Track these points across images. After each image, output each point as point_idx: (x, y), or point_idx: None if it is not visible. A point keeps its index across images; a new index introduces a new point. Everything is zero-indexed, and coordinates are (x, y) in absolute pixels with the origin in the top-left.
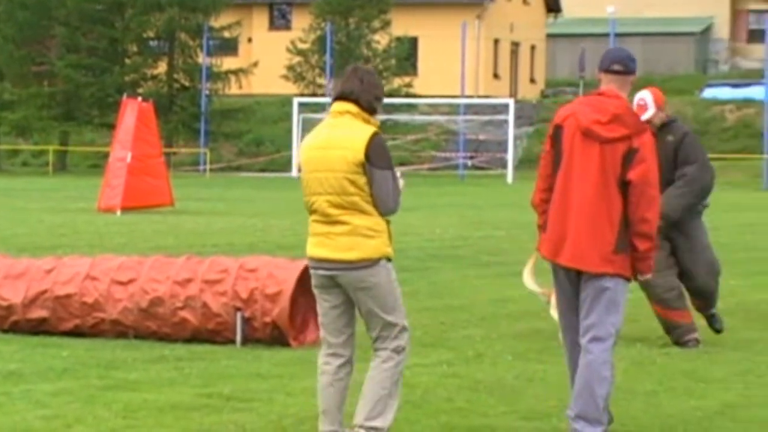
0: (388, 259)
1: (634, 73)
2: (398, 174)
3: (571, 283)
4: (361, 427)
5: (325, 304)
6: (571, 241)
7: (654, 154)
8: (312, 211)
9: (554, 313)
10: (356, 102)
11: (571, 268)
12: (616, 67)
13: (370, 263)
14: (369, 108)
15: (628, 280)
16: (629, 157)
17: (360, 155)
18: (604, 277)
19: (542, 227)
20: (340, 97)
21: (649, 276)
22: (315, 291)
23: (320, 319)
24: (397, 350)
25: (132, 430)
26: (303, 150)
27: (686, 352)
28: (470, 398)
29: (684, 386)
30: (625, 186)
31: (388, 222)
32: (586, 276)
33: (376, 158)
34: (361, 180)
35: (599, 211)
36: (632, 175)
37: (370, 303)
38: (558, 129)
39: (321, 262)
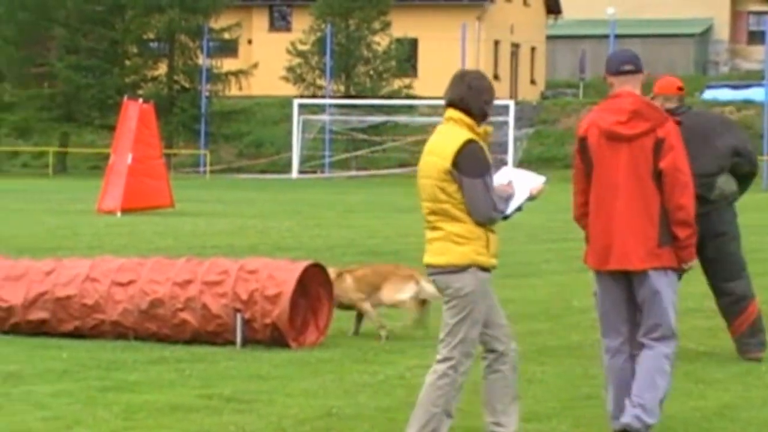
0: (483, 269)
1: (643, 71)
2: (540, 178)
3: (621, 288)
4: None
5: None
6: (617, 245)
7: (680, 141)
8: (424, 217)
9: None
10: (466, 108)
11: (619, 273)
12: (627, 67)
13: (457, 269)
14: (480, 113)
15: (675, 272)
16: (658, 149)
17: (447, 163)
18: (653, 274)
19: (588, 239)
20: (449, 104)
21: (693, 264)
22: None
23: None
24: (454, 366)
25: None
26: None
27: (686, 353)
28: (470, 400)
29: (683, 387)
30: (659, 178)
31: (489, 230)
32: (637, 278)
33: (464, 166)
34: (451, 187)
35: (638, 210)
36: (663, 164)
37: (449, 305)
38: (583, 141)
39: (427, 267)
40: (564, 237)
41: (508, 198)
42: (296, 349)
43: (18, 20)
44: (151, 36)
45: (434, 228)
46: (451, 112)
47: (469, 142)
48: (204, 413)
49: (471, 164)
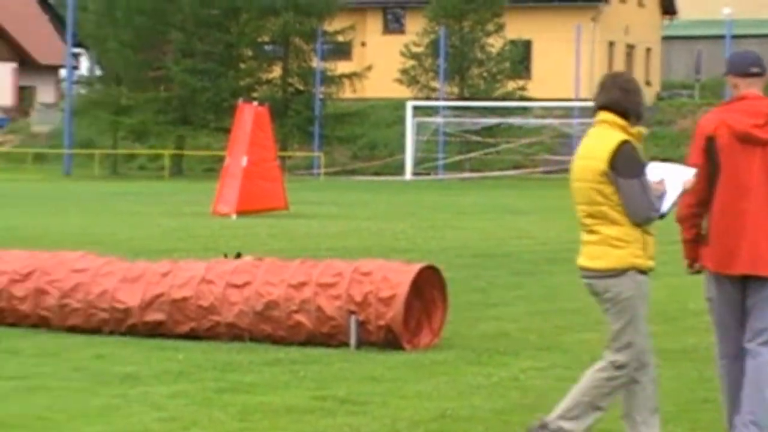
0: (641, 271)
1: (766, 73)
2: (690, 170)
3: (739, 293)
4: (553, 422)
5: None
6: (747, 248)
7: None
8: (579, 220)
9: None
10: (621, 111)
11: (738, 277)
12: (754, 69)
13: (616, 273)
14: (636, 114)
15: None
16: None
17: (603, 165)
18: None
19: (691, 240)
20: (601, 107)
21: None
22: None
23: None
24: (616, 365)
25: None
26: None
27: None
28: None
29: None
30: None
31: (645, 231)
32: (755, 283)
33: (621, 167)
34: (608, 189)
35: None
36: None
37: (610, 311)
38: (711, 140)
39: (581, 270)
40: (678, 239)
41: (660, 196)
42: (410, 351)
43: (135, 25)
44: (266, 39)
45: (591, 231)
46: (604, 115)
47: (624, 143)
48: (318, 415)
49: (627, 165)
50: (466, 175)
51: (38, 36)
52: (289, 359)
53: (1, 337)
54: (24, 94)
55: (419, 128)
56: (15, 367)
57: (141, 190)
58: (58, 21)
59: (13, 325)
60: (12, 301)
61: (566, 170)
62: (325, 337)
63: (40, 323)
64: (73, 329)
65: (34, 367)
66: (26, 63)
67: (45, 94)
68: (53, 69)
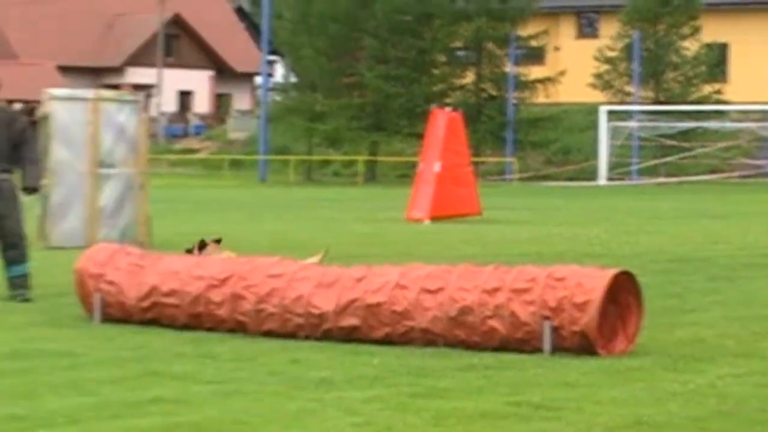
0: None
1: None
2: None
3: None
4: None
5: None
6: None
7: None
8: None
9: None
10: None
11: None
12: None
13: None
14: None
15: None
16: None
17: None
18: None
19: None
20: None
21: None
22: None
23: None
24: None
25: None
26: None
27: None
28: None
29: None
30: None
31: None
32: None
33: None
34: None
35: None
36: None
37: None
38: None
39: None
40: None
41: None
42: (605, 357)
43: (329, 32)
44: (459, 44)
45: None
46: None
47: None
48: (512, 420)
49: None
50: (662, 179)
51: (234, 44)
52: (482, 365)
53: (200, 342)
54: (221, 102)
55: (613, 133)
56: (212, 371)
57: (335, 196)
58: (254, 29)
59: (210, 329)
60: (209, 306)
61: (765, 174)
62: (519, 342)
63: (237, 328)
64: (268, 334)
65: (231, 372)
66: (223, 71)
67: (241, 101)
68: (249, 76)
